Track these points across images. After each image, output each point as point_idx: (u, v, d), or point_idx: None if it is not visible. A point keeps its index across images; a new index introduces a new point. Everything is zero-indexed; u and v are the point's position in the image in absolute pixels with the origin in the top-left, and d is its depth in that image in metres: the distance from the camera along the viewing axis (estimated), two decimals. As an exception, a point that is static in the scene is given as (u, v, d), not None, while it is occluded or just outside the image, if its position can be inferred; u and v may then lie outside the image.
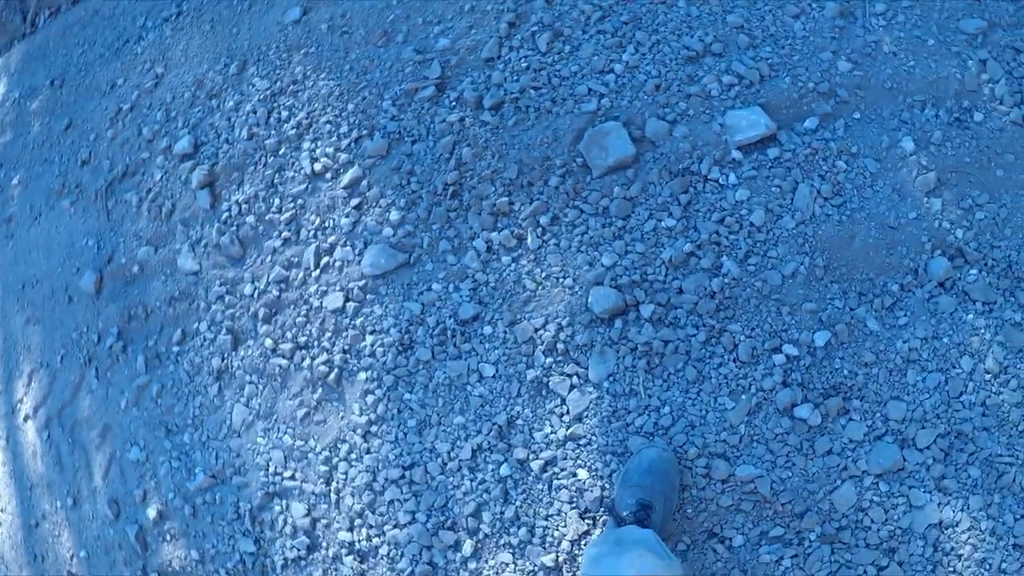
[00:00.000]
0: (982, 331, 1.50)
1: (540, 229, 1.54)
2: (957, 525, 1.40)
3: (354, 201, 1.67)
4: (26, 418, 2.06)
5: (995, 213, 1.56)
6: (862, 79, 1.62)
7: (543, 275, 1.53)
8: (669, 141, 1.55)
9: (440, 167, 1.63)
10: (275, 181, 1.77)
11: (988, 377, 1.49)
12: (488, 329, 1.53)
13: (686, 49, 1.63)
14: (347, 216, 1.67)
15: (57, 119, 2.35)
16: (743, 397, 1.42)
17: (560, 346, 1.49)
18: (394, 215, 1.63)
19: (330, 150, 1.74)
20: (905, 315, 1.49)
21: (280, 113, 1.84)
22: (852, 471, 1.42)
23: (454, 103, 1.67)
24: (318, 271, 1.67)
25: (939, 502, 1.42)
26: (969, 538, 1.42)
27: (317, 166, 1.73)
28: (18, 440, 2.06)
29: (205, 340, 1.77)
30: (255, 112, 1.87)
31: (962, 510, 1.42)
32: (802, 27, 1.66)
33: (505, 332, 1.53)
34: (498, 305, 1.54)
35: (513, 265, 1.55)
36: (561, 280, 1.52)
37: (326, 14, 1.90)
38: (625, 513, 1.28)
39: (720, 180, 1.51)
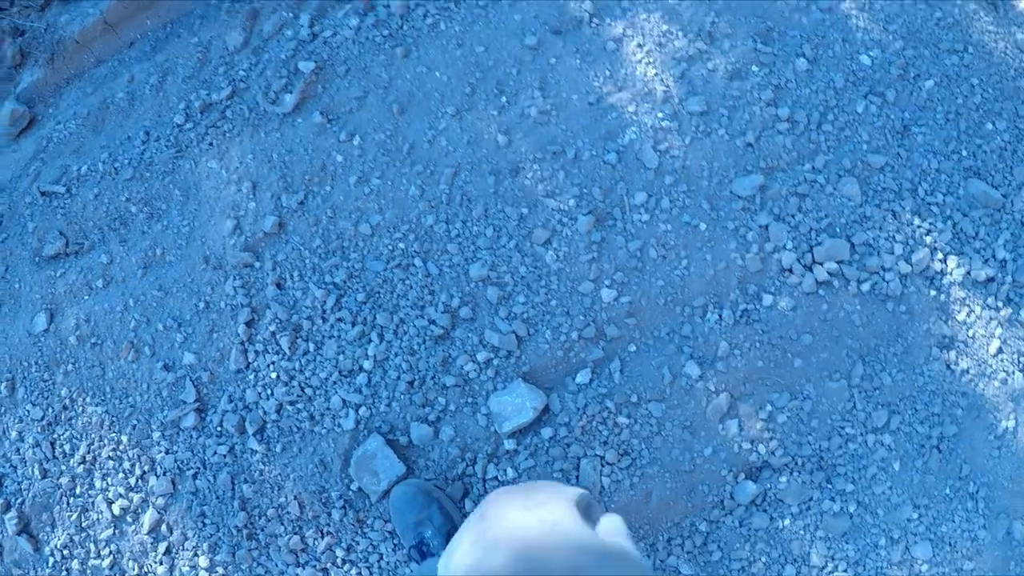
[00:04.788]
0: (801, 533, 1.47)
1: (339, 560, 1.49)
2: None
3: (161, 547, 1.62)
4: None
5: (798, 409, 1.46)
6: (631, 305, 1.45)
7: (357, 602, 1.50)
8: (437, 446, 1.44)
9: (227, 507, 1.55)
10: (83, 524, 1.71)
11: (815, 573, 1.48)
12: (324, 656, 1.53)
13: (432, 325, 1.46)
14: (161, 563, 1.62)
15: None
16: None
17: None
18: (203, 560, 1.58)
19: (122, 489, 1.65)
20: (718, 548, 1.46)
21: (63, 446, 1.73)
22: None
23: (219, 430, 1.55)
24: (155, 613, 1.66)
25: None
26: None
27: (116, 508, 1.65)
28: None
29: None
30: (39, 445, 1.75)
31: None
32: (555, 256, 1.46)
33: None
34: (325, 633, 1.53)
35: (326, 596, 1.52)
36: (374, 606, 1.49)
37: (71, 321, 1.71)
38: (416, 555, 1.37)
39: (499, 477, 1.42)
